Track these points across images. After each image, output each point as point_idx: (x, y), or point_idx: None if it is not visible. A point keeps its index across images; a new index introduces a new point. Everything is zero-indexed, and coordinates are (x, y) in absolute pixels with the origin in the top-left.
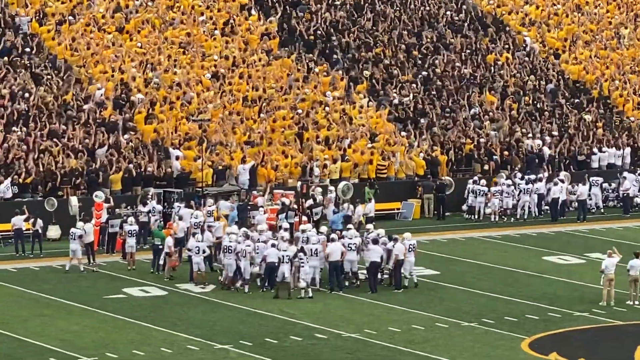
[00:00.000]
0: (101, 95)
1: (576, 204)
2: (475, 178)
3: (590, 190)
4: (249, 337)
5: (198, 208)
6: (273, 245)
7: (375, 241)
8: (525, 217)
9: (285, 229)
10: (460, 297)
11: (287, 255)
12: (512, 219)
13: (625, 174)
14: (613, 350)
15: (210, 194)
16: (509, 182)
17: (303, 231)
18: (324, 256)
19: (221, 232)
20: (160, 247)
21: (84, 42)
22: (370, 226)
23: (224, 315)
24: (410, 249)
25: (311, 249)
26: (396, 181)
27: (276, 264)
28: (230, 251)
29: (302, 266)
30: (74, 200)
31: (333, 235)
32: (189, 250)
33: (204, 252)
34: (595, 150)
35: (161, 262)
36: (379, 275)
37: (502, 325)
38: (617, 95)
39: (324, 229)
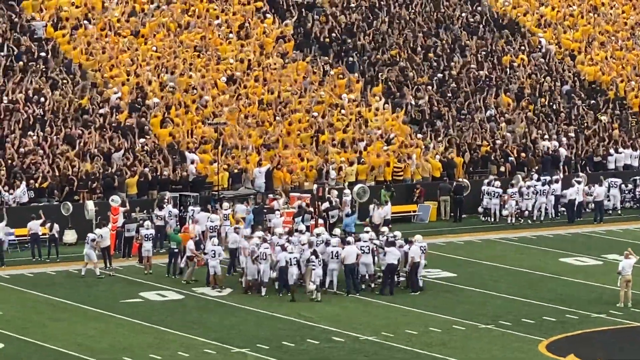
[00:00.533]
0: (117, 99)
1: (593, 205)
2: (490, 178)
3: (609, 191)
4: (265, 340)
5: (214, 211)
6: (284, 249)
7: (392, 243)
8: (542, 218)
9: (301, 232)
10: (477, 299)
11: (294, 258)
12: (529, 220)
13: None
14: (631, 351)
15: (226, 198)
16: (530, 183)
17: (318, 235)
18: (341, 259)
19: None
20: (176, 250)
21: (99, 46)
22: (385, 229)
23: (240, 318)
24: (421, 251)
25: (331, 252)
26: (412, 183)
27: (284, 267)
28: (252, 255)
29: (314, 269)
30: (90, 205)
31: (349, 238)
32: (205, 254)
33: (219, 255)
34: (611, 151)
35: (182, 265)
36: (396, 278)
37: (519, 327)
38: (632, 96)
39: (337, 231)
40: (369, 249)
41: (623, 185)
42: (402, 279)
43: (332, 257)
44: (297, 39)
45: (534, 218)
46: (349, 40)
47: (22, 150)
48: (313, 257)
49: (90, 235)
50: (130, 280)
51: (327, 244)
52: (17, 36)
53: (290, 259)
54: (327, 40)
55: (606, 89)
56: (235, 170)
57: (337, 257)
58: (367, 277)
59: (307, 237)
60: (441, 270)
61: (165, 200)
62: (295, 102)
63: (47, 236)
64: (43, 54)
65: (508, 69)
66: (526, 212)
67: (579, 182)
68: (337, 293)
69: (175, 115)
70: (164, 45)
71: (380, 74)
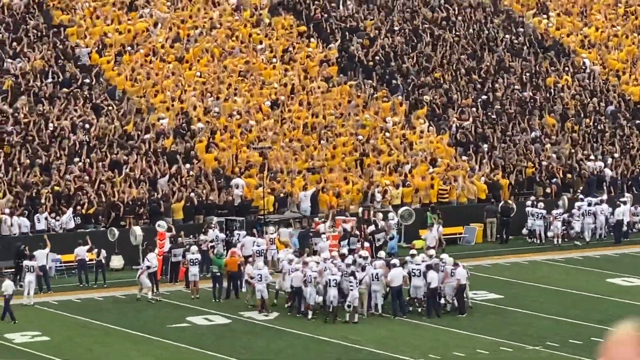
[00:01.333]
0: (162, 124)
1: (639, 225)
2: (533, 199)
3: None
4: None
5: (260, 235)
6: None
7: (430, 267)
8: (588, 239)
9: (344, 255)
10: (524, 320)
11: (334, 280)
12: (576, 241)
13: None
14: None
15: (272, 222)
16: (579, 204)
17: (365, 258)
18: (386, 283)
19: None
20: (218, 274)
21: (144, 72)
22: (432, 252)
23: (288, 342)
24: (452, 274)
25: (372, 274)
26: (458, 206)
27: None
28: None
29: (351, 289)
30: (137, 230)
31: (394, 261)
32: (252, 278)
33: (266, 278)
34: None
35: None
36: (442, 300)
37: (566, 348)
38: None
39: (382, 254)
40: (419, 272)
41: None
42: (442, 301)
43: (373, 279)
44: (341, 63)
45: (585, 239)
46: (393, 63)
47: (67, 176)
48: (351, 277)
49: (147, 263)
50: (177, 305)
51: (370, 265)
52: (62, 63)
53: (329, 280)
54: (371, 63)
55: None
56: (281, 194)
57: (377, 278)
58: (415, 299)
59: (351, 259)
60: (487, 292)
61: (212, 225)
62: (339, 125)
63: (94, 262)
64: (87, 80)
65: (552, 90)
66: (573, 232)
67: (624, 203)
68: (382, 315)
69: (220, 140)
70: (209, 71)
71: (424, 96)
